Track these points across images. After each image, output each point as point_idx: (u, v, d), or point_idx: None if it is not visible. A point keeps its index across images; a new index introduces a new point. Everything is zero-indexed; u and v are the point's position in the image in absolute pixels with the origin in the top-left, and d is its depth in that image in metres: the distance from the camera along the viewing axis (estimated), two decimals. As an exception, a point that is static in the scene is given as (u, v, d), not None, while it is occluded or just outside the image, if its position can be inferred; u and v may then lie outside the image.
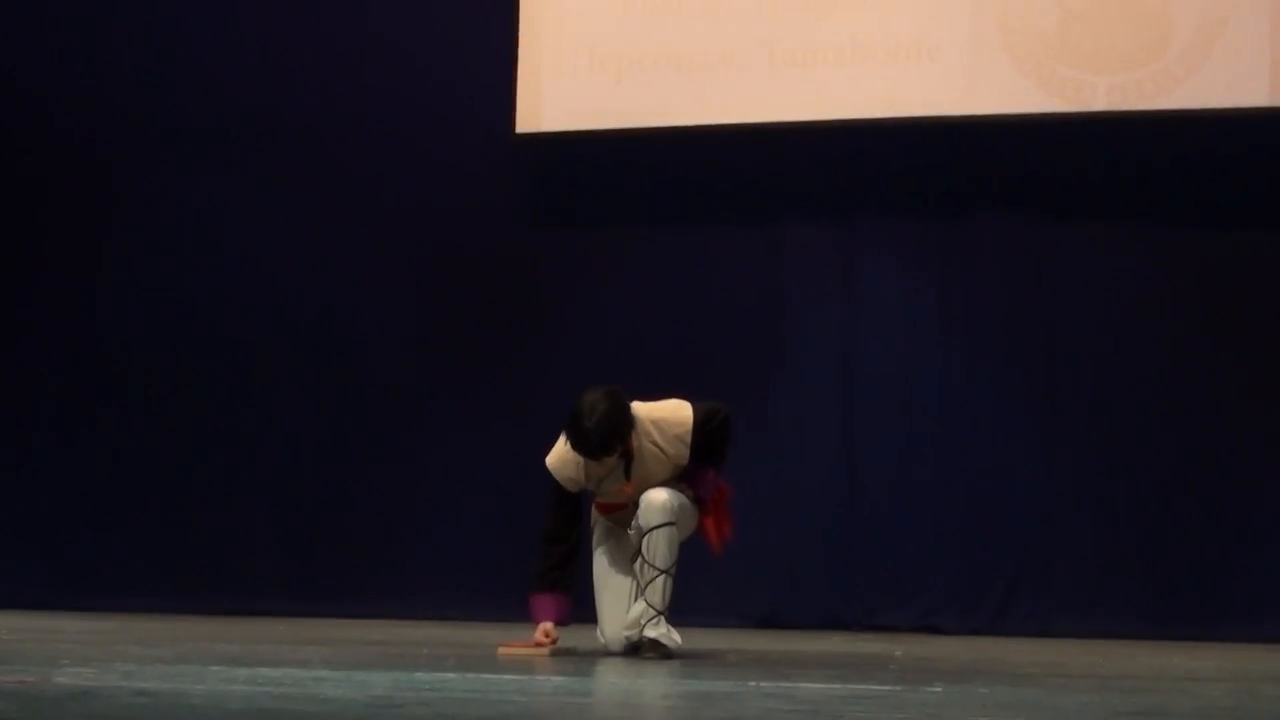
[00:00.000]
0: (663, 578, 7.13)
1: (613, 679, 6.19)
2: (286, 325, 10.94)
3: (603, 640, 7.36)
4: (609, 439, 7.14)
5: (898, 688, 6.01)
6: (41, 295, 11.29)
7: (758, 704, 5.35)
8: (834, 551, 10.05)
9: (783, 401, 9.89)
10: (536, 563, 7.38)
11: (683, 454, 7.22)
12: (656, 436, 7.25)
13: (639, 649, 7.17)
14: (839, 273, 10.32)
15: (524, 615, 10.15)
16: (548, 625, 7.32)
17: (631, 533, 7.25)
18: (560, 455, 7.48)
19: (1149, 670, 7.27)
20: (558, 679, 6.04)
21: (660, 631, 7.16)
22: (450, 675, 6.11)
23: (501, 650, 7.34)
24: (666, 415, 7.27)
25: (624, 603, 7.28)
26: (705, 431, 7.20)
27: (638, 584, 7.19)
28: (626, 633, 7.24)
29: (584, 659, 7.14)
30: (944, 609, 10.00)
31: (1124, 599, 9.82)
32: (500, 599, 10.34)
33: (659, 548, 7.12)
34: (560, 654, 7.26)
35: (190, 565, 10.83)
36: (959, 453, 10.08)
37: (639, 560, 7.17)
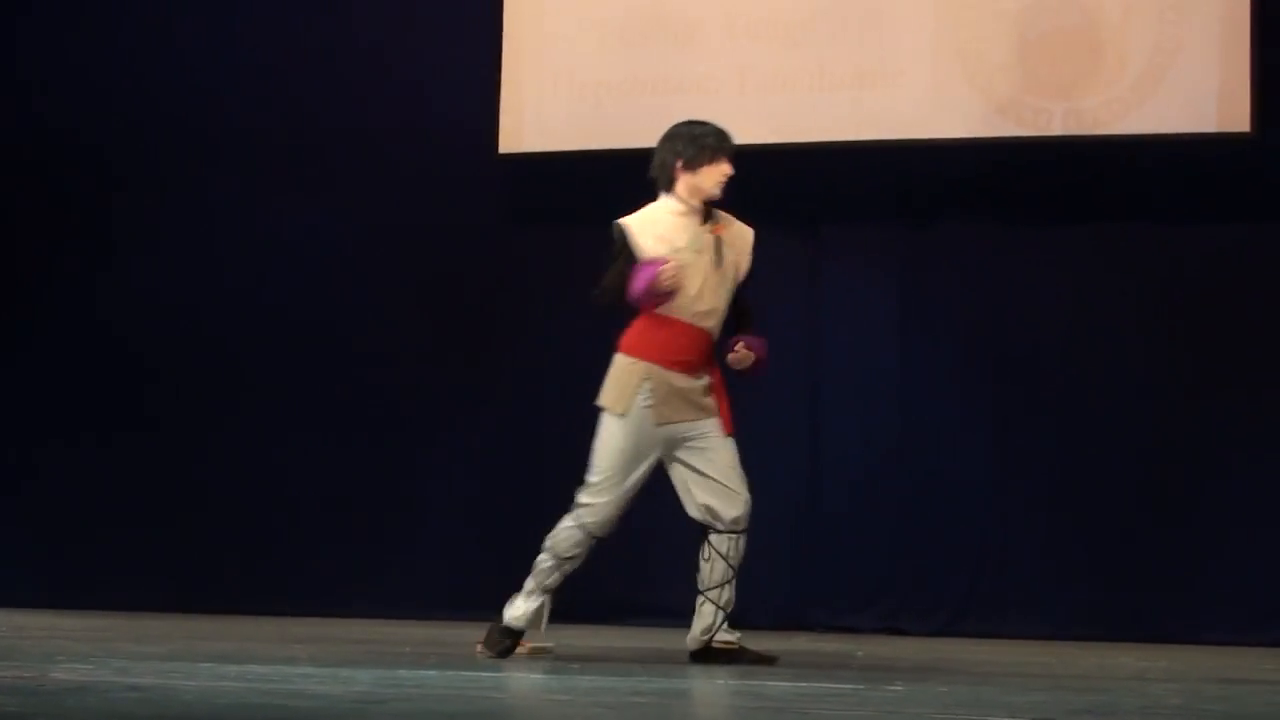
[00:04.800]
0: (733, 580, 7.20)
1: (589, 677, 6.27)
2: (279, 330, 11.04)
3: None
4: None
5: (860, 686, 6.15)
6: (42, 299, 11.35)
7: (726, 702, 5.52)
8: (797, 554, 10.19)
9: (748, 404, 10.03)
10: (609, 282, 7.27)
11: (745, 264, 7.30)
12: (736, 229, 7.33)
13: (728, 657, 7.18)
14: (805, 280, 10.43)
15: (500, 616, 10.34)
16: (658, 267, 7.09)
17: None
18: (648, 215, 7.35)
19: (1100, 670, 7.42)
20: (535, 677, 6.18)
21: (737, 638, 7.24)
22: (431, 673, 6.22)
23: (480, 649, 7.41)
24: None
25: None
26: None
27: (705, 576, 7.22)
28: (703, 637, 7.25)
29: (561, 658, 7.22)
30: (904, 610, 10.11)
31: (1078, 601, 9.93)
32: (481, 599, 10.51)
33: (739, 547, 7.21)
34: (538, 653, 7.35)
35: (183, 565, 10.89)
36: (920, 456, 10.18)
37: (709, 555, 7.22)
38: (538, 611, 7.32)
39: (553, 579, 7.32)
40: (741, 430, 9.81)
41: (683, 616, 9.26)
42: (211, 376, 11.18)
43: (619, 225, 7.31)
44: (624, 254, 7.25)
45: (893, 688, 6.12)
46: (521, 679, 6.06)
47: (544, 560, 7.33)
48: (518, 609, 7.30)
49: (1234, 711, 5.56)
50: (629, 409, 7.21)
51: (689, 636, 7.28)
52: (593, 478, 7.28)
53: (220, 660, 6.57)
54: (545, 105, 10.62)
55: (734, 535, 7.23)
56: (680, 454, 7.23)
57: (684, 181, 7.29)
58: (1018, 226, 10.26)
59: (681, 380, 7.20)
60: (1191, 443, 9.93)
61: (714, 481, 7.21)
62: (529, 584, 7.33)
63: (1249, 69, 9.73)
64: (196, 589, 10.81)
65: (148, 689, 5.32)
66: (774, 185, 9.61)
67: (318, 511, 10.90)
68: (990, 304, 10.26)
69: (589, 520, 7.26)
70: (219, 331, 11.18)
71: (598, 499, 7.26)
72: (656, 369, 7.20)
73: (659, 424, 7.19)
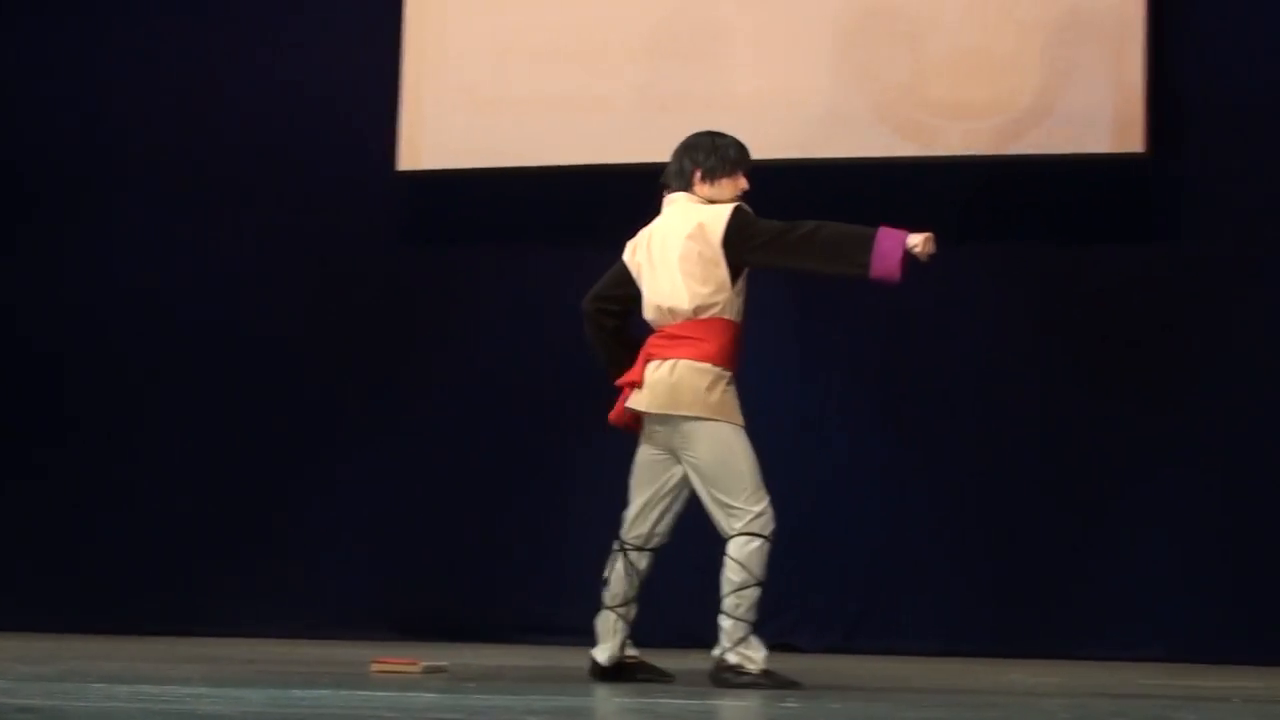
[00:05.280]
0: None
1: (481, 696, 6.27)
2: (173, 347, 11.01)
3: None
4: None
5: (754, 703, 6.20)
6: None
7: (620, 719, 5.56)
8: (692, 572, 10.22)
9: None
10: (849, 245, 7.26)
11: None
12: None
13: (631, 672, 7.21)
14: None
15: (396, 635, 10.37)
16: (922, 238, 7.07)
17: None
18: None
19: (993, 686, 7.48)
20: (428, 696, 6.13)
21: (638, 654, 7.27)
22: (325, 692, 6.20)
23: (374, 667, 7.41)
24: None
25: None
26: None
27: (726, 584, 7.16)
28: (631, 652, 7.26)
29: (456, 677, 7.21)
30: (799, 627, 10.13)
31: (970, 617, 9.99)
32: (374, 618, 10.54)
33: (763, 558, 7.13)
34: (432, 671, 7.34)
35: (72, 586, 10.83)
36: (813, 474, 10.20)
37: (622, 570, 7.23)
38: (759, 643, 7.16)
39: (757, 607, 7.18)
40: (631, 455, 9.87)
41: (582, 635, 9.29)
42: (103, 395, 11.12)
43: (743, 206, 7.22)
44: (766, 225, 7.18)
45: (787, 705, 6.16)
46: (415, 698, 6.04)
47: (749, 594, 7.16)
48: (759, 653, 7.13)
49: (1123, 727, 5.63)
50: (741, 419, 7.13)
51: (600, 651, 7.31)
52: (749, 488, 7.13)
53: (111, 680, 6.53)
54: (445, 122, 10.64)
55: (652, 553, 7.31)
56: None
57: (700, 192, 7.27)
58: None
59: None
60: (1081, 462, 10.03)
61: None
62: (740, 631, 7.16)
63: (1143, 90, 9.84)
64: (87, 609, 10.73)
65: (38, 710, 5.26)
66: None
67: (210, 531, 10.86)
68: (887, 322, 10.31)
69: (772, 527, 7.16)
70: (110, 348, 11.14)
71: (766, 503, 7.16)
72: (733, 378, 7.16)
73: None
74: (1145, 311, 10.07)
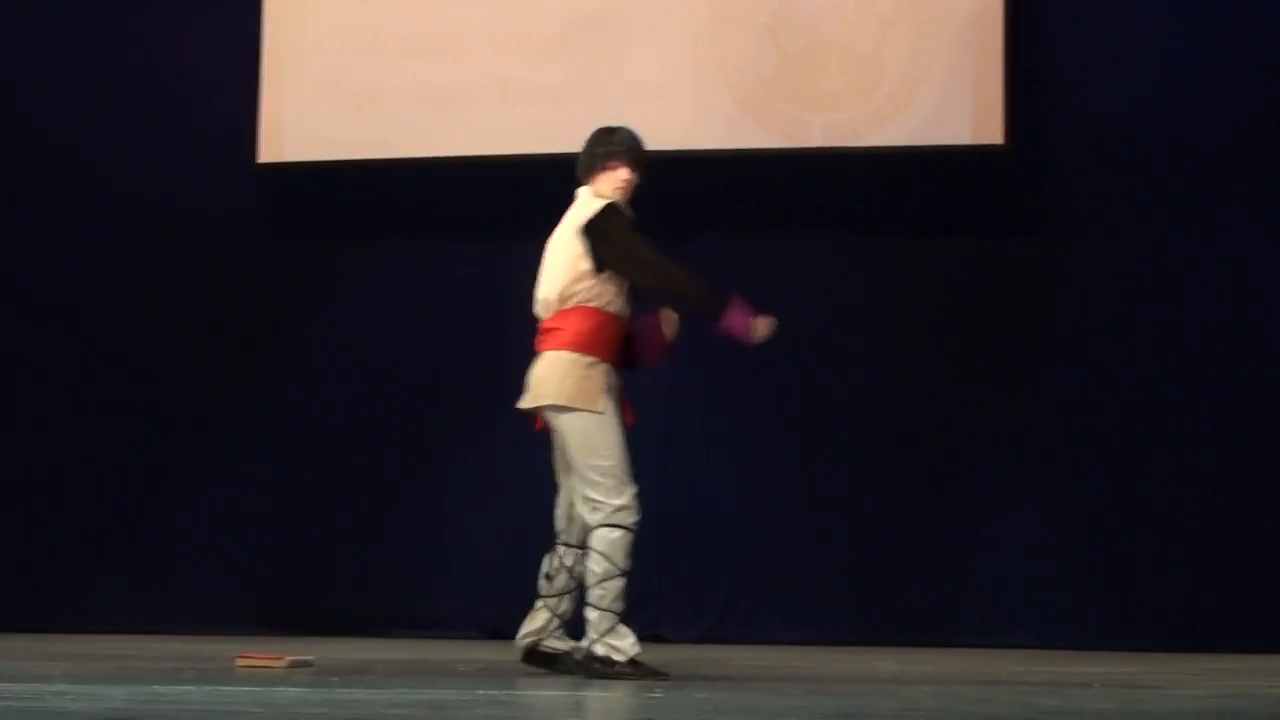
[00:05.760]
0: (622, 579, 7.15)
1: (345, 690, 6.25)
2: (33, 343, 10.90)
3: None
4: (631, 137, 7.37)
5: (621, 694, 6.23)
6: None
7: (485, 712, 5.52)
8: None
9: (508, 414, 10.03)
10: (688, 285, 7.32)
11: None
12: None
13: (550, 661, 7.22)
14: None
15: (262, 629, 10.30)
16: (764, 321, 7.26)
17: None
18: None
19: (858, 674, 7.51)
20: (293, 691, 6.11)
21: (568, 646, 7.27)
22: (189, 687, 6.16)
23: (240, 662, 7.37)
24: None
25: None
26: None
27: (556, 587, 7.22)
28: (530, 640, 7.27)
29: (321, 671, 7.17)
30: (666, 618, 10.15)
31: (837, 607, 10.05)
32: (240, 612, 10.47)
33: (584, 563, 7.15)
34: (297, 666, 7.30)
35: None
36: (678, 467, 10.21)
37: (555, 566, 7.23)
38: (627, 632, 7.18)
39: (623, 597, 7.18)
40: (504, 445, 9.87)
41: (449, 628, 9.30)
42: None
43: (616, 204, 7.27)
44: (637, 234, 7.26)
45: (653, 695, 6.17)
46: (279, 693, 6.02)
47: (613, 585, 7.13)
48: (625, 642, 7.13)
49: (987, 712, 5.66)
50: (605, 406, 7.13)
51: (517, 637, 7.31)
52: (610, 480, 7.11)
53: (-28, 678, 6.46)
54: (306, 115, 10.59)
55: (582, 551, 7.25)
56: None
57: (591, 184, 7.35)
58: (778, 237, 10.38)
59: (615, 380, 7.25)
60: (945, 453, 10.11)
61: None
62: (606, 622, 7.13)
63: (1002, 81, 9.93)
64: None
65: (-107, 710, 5.22)
66: (535, 196, 9.63)
67: (74, 527, 10.76)
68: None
69: (634, 519, 7.15)
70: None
71: (629, 495, 7.14)
72: (609, 368, 7.19)
73: (617, 420, 7.18)
74: (1006, 302, 10.16)
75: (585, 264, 7.15)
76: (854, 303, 10.29)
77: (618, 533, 7.08)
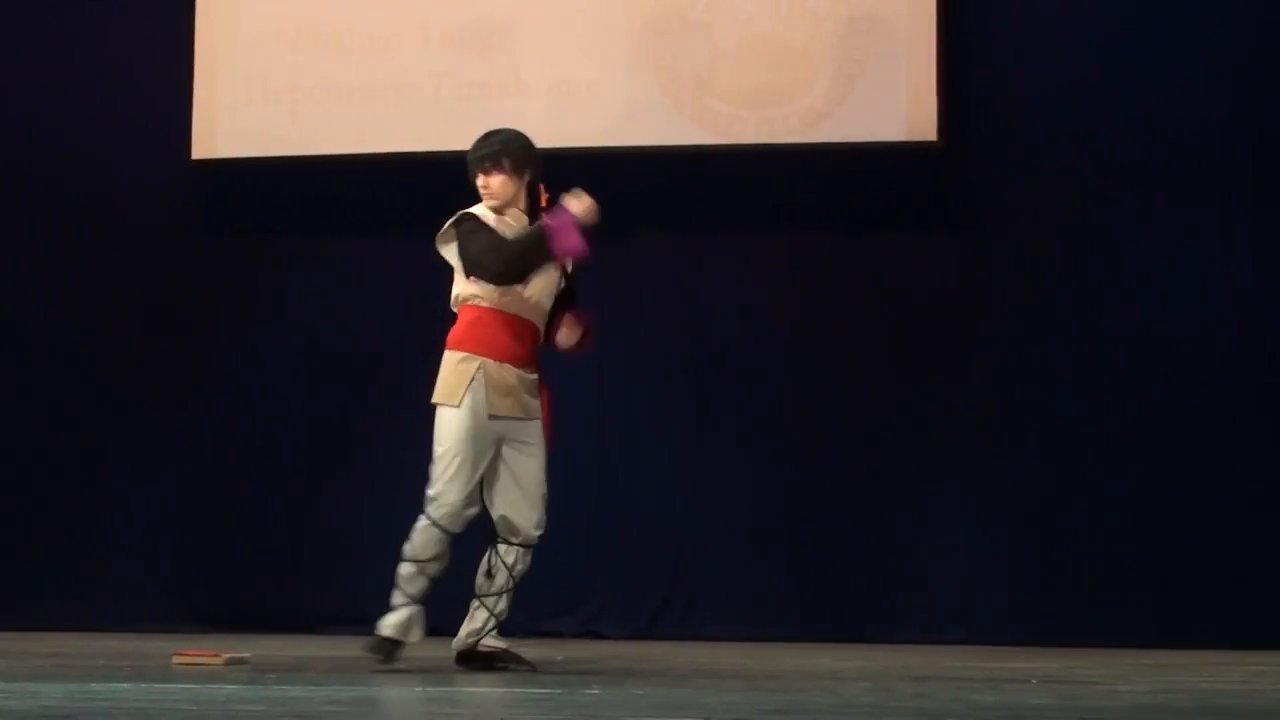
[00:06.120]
0: (514, 592, 7.26)
1: (282, 688, 6.26)
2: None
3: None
4: (501, 141, 7.38)
5: (558, 690, 6.22)
6: None
7: (422, 709, 5.54)
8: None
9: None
10: (522, 240, 7.23)
11: None
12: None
13: (495, 661, 7.23)
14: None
15: (198, 627, 10.27)
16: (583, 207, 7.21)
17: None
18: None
19: (795, 670, 7.53)
20: (230, 688, 6.11)
21: (504, 644, 7.31)
22: (125, 685, 6.17)
23: (176, 660, 7.37)
24: None
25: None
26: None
27: (483, 586, 7.24)
28: (470, 640, 7.26)
29: (258, 669, 7.19)
30: (603, 615, 10.20)
31: (774, 603, 10.07)
32: (176, 610, 10.43)
33: (527, 562, 7.25)
34: (233, 663, 7.31)
35: None
36: (615, 463, 10.31)
37: (494, 563, 7.24)
38: (409, 620, 7.23)
39: (418, 585, 7.23)
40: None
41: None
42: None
43: (471, 213, 7.36)
44: (485, 229, 7.28)
45: (590, 691, 6.20)
46: (216, 690, 6.01)
47: (406, 569, 7.24)
48: (390, 619, 7.22)
49: (922, 708, 5.70)
50: (463, 400, 7.16)
51: (455, 638, 7.30)
52: (435, 470, 7.18)
53: (-97, 678, 6.41)
54: (239, 110, 10.55)
55: (523, 549, 7.26)
56: (504, 451, 7.26)
57: None
58: (712, 235, 10.40)
59: (512, 375, 7.24)
60: (880, 448, 10.12)
61: (518, 493, 7.26)
62: (396, 596, 7.25)
63: (935, 79, 9.97)
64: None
65: None
66: (467, 195, 9.65)
67: (6, 525, 10.67)
68: (684, 312, 10.39)
69: (438, 514, 7.17)
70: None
71: (443, 492, 7.17)
72: (489, 363, 7.21)
73: (491, 415, 7.18)
74: (941, 298, 10.19)
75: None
76: (788, 299, 10.30)
77: (423, 521, 7.20)
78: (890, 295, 10.20)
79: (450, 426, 7.17)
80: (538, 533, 7.28)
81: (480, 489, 7.23)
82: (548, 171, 10.03)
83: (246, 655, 7.54)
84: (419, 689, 6.29)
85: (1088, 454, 9.90)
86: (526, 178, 7.42)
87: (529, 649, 8.87)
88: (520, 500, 7.24)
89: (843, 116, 10.02)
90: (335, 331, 10.58)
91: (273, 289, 10.68)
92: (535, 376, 7.33)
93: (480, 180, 7.42)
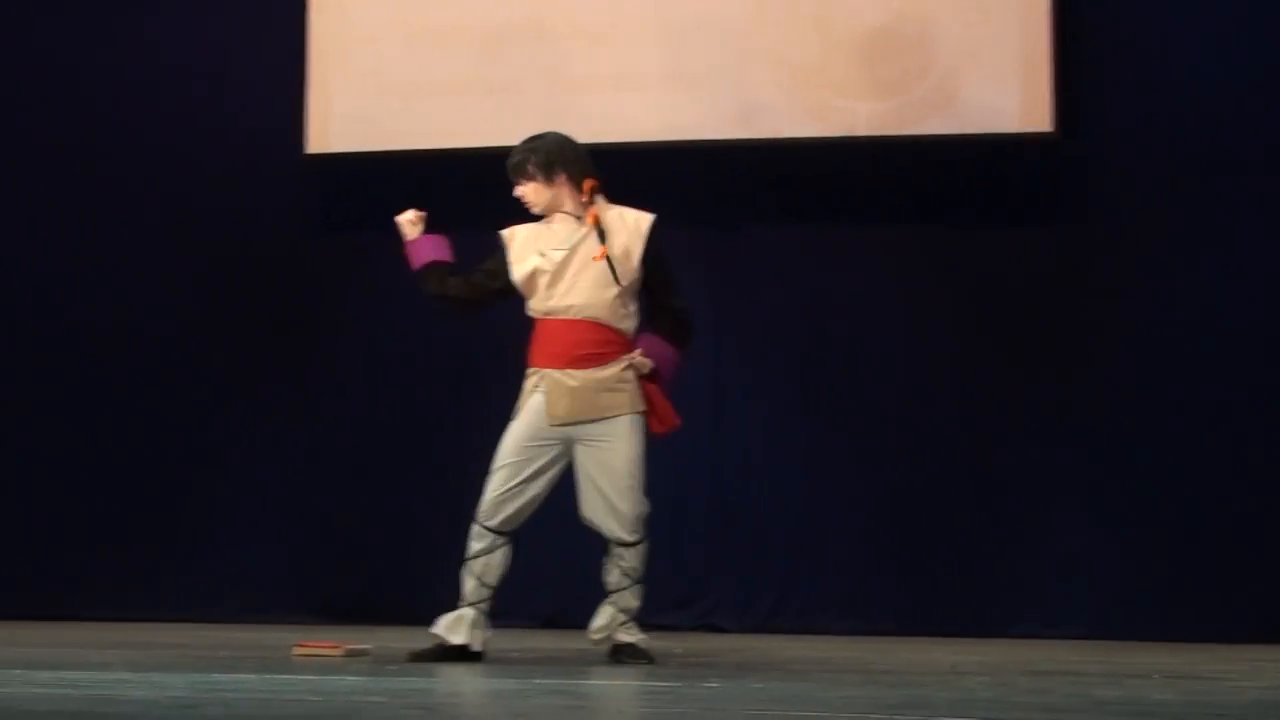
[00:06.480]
0: (638, 586, 7.29)
1: (403, 679, 6.29)
2: (80, 336, 10.93)
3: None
4: (525, 149, 7.44)
5: (677, 683, 6.21)
6: None
7: (542, 701, 5.55)
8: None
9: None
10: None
11: (637, 250, 7.36)
12: (615, 217, 7.40)
13: (618, 655, 7.26)
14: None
15: (318, 618, 10.36)
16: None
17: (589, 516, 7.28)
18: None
19: (913, 665, 7.50)
20: (352, 679, 6.15)
21: (638, 637, 7.32)
22: (248, 676, 6.22)
23: (297, 651, 7.44)
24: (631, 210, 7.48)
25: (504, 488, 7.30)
26: (659, 238, 7.41)
27: (605, 584, 7.30)
28: (595, 636, 7.34)
29: (378, 660, 7.24)
30: (721, 608, 10.20)
31: (892, 597, 10.02)
32: (297, 601, 10.52)
33: (644, 556, 7.27)
34: (355, 655, 7.38)
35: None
36: (734, 456, 10.29)
37: (606, 564, 7.29)
38: (453, 621, 7.34)
39: (466, 585, 7.37)
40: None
41: (507, 616, 9.30)
42: (12, 380, 11.05)
43: (502, 232, 7.61)
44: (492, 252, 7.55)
45: (709, 684, 6.19)
46: (337, 681, 6.05)
47: (465, 569, 7.44)
48: (443, 618, 7.39)
49: (1044, 703, 5.67)
50: (521, 410, 7.33)
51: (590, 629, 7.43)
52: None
53: (32, 666, 6.52)
54: (353, 106, 10.60)
55: (623, 547, 7.28)
56: (579, 454, 7.30)
57: None
58: (825, 227, 10.37)
59: (574, 378, 7.28)
60: (999, 441, 10.06)
61: (599, 499, 7.28)
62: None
63: (1049, 68, 9.90)
64: (5, 594, 10.66)
65: (-45, 697, 5.24)
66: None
67: (132, 515, 10.81)
68: (798, 305, 10.36)
69: (478, 510, 7.31)
70: (18, 336, 11.05)
71: (486, 489, 7.30)
72: (551, 373, 7.32)
73: (553, 423, 7.26)
74: (1054, 291, 10.12)
75: None
76: (901, 293, 10.26)
77: (476, 527, 7.34)
78: (1004, 289, 10.14)
79: (506, 436, 7.34)
80: (627, 536, 7.26)
81: (530, 493, 7.29)
82: (658, 166, 10.12)
83: (367, 647, 7.60)
84: (538, 681, 6.30)
85: (1207, 449, 9.80)
86: (561, 179, 7.41)
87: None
88: (600, 505, 7.26)
89: (955, 108, 9.97)
90: (450, 325, 10.60)
91: (386, 283, 10.70)
92: (611, 372, 7.29)
93: (516, 192, 7.47)
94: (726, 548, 10.26)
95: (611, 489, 7.24)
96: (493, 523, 7.28)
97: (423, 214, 7.65)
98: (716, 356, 10.34)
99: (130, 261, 10.96)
